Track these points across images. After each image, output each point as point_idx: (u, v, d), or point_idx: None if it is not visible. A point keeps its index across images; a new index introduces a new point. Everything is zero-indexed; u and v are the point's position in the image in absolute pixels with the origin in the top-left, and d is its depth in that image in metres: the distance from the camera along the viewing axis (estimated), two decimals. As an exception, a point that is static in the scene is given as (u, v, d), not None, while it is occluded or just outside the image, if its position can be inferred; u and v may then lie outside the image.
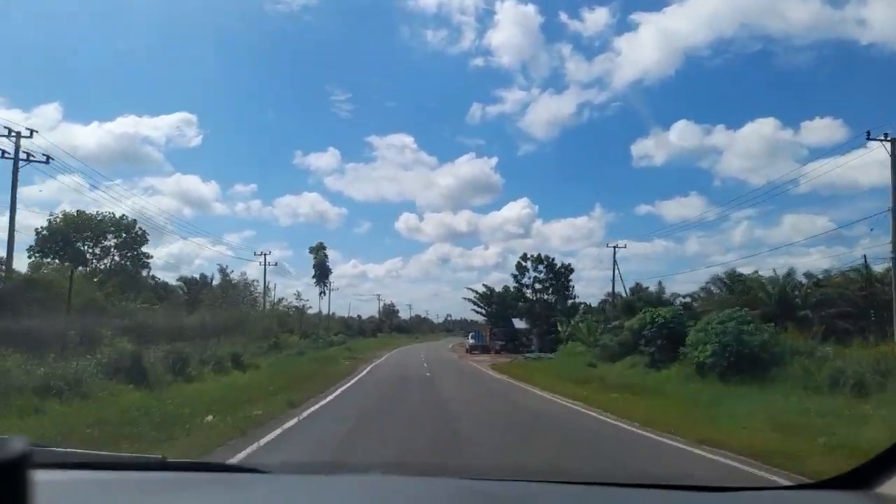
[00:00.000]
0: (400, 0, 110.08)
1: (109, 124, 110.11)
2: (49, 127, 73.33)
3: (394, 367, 34.95)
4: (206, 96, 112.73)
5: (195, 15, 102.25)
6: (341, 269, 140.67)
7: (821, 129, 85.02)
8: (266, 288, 51.29)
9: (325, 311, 78.51)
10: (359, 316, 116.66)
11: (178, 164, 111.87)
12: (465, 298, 63.34)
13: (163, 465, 1.82)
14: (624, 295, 46.73)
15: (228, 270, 47.46)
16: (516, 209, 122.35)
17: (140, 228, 47.67)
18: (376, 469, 2.40)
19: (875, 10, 75.95)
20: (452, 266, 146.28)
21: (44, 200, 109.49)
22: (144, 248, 47.90)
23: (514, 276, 53.50)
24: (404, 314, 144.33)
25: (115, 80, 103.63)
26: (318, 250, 53.59)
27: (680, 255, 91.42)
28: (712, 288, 44.21)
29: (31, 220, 52.77)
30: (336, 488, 1.83)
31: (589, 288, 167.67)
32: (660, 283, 53.77)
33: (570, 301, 49.53)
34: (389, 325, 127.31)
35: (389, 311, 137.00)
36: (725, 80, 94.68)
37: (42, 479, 0.83)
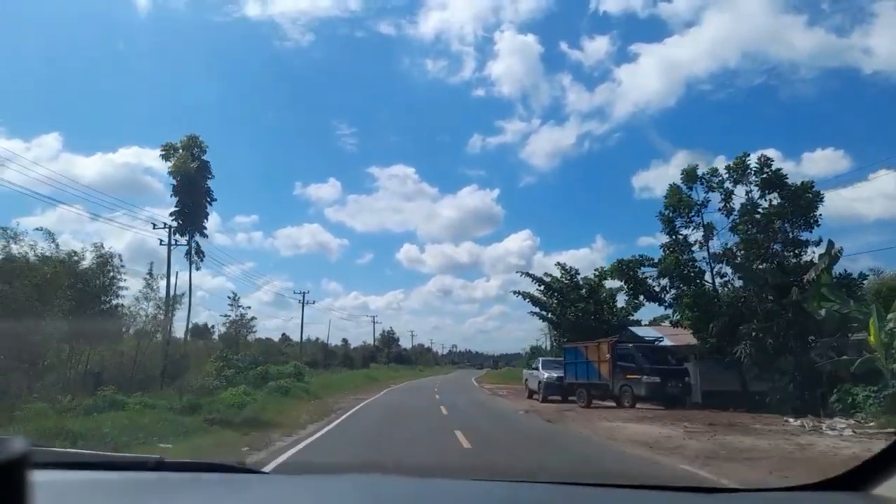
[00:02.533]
0: (401, 29, 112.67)
1: (111, 155, 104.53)
2: (49, 157, 70.27)
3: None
4: (208, 128, 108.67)
5: (200, 47, 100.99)
6: (343, 301, 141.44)
7: (823, 160, 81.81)
8: (169, 285, 22.64)
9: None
10: (345, 341, 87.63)
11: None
12: (516, 293, 33.92)
13: (160, 465, 1.76)
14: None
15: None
16: (518, 241, 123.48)
17: None
18: (376, 469, 2.28)
19: (881, 39, 72.01)
20: (454, 298, 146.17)
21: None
22: None
23: (664, 218, 21.70)
24: (406, 343, 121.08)
25: (116, 111, 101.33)
26: (187, 148, 22.12)
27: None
28: None
29: None
30: (335, 488, 1.77)
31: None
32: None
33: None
34: (387, 355, 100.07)
35: (388, 339, 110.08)
36: (726, 111, 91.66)
37: (40, 479, 0.81)
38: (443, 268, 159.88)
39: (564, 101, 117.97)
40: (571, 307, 31.43)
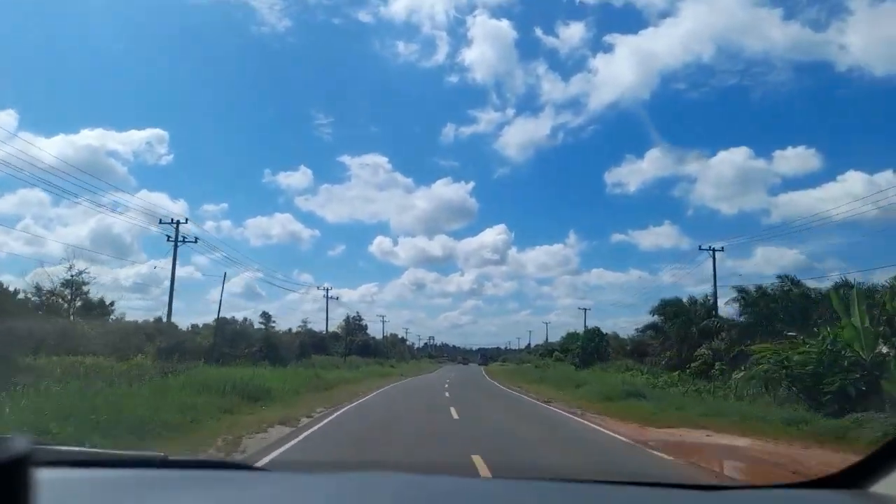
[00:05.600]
0: (377, 16, 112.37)
1: (74, 136, 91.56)
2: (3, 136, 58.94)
3: None
4: (178, 111, 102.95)
5: (172, 27, 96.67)
6: (313, 293, 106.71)
7: (794, 158, 78.28)
8: None
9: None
10: (266, 316, 57.07)
11: (145, 180, 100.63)
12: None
13: (164, 463, 1.77)
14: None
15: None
16: (492, 235, 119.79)
17: None
18: (377, 468, 2.30)
19: (856, 35, 69.30)
20: (427, 292, 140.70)
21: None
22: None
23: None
24: (376, 331, 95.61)
25: (81, 92, 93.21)
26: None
27: (658, 286, 70.70)
28: None
29: None
30: (337, 487, 1.74)
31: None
32: None
33: None
34: (348, 345, 70.44)
35: (353, 326, 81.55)
36: (700, 105, 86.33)
37: (44, 477, 0.83)
38: (416, 261, 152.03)
39: (539, 90, 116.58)
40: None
